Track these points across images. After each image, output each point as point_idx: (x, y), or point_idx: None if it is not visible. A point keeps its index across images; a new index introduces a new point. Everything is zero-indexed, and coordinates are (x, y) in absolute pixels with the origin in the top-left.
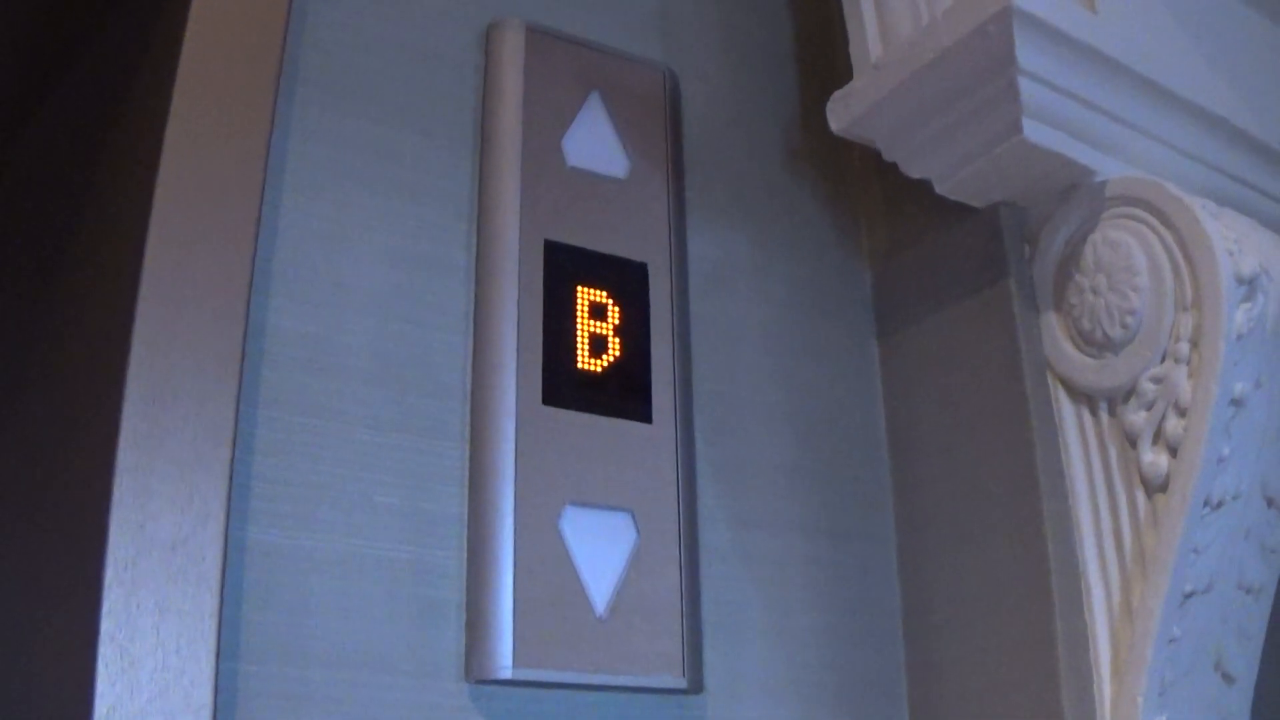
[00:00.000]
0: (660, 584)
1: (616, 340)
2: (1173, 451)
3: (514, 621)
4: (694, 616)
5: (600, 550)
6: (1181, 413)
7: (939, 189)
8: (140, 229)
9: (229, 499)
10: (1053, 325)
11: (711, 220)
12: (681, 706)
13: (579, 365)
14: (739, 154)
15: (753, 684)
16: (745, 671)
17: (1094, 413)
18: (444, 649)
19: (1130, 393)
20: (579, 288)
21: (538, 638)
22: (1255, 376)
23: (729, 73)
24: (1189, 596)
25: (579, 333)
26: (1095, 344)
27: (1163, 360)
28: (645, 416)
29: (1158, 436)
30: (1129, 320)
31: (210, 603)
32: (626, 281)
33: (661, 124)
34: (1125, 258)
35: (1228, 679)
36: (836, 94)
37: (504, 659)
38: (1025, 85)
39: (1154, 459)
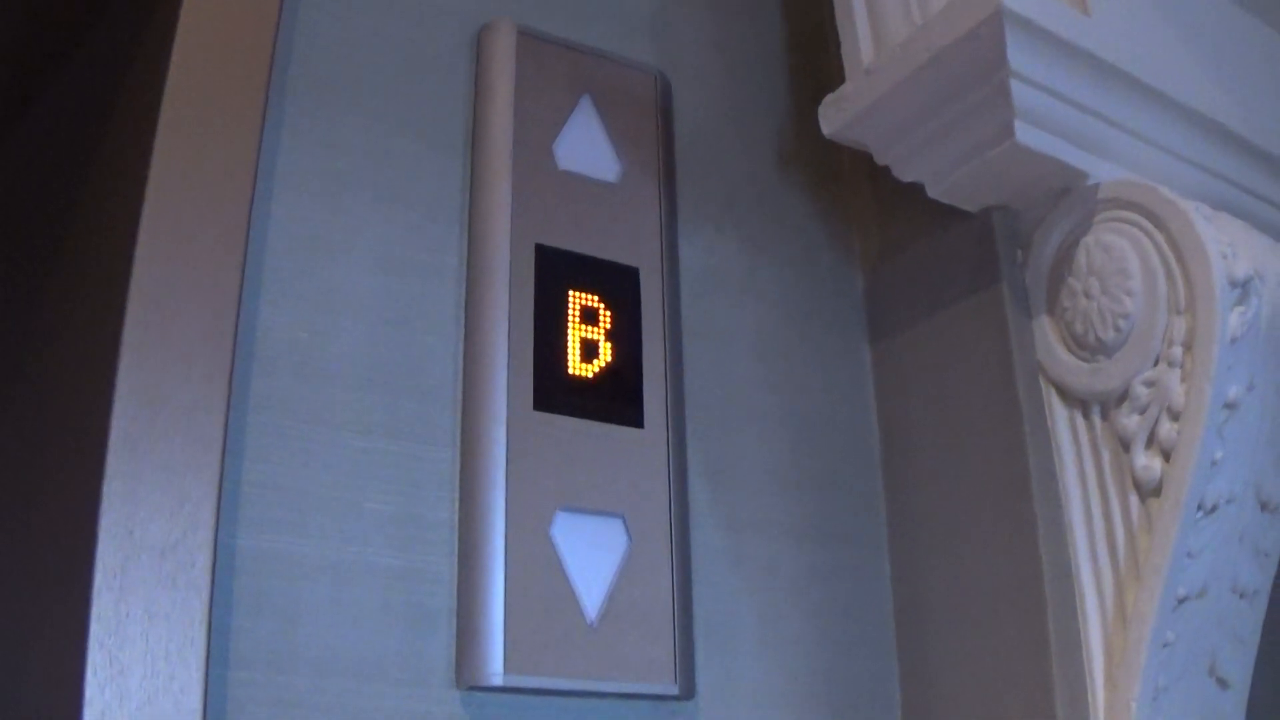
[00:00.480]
0: (652, 589)
1: (608, 345)
2: (1166, 455)
3: (505, 628)
4: (686, 622)
5: (591, 556)
6: (1175, 416)
7: (931, 193)
8: (130, 232)
9: (219, 505)
10: (1045, 329)
11: (703, 224)
12: (673, 713)
13: (570, 370)
14: (731, 158)
15: (745, 690)
16: (737, 677)
17: (1087, 416)
18: (435, 655)
19: (1123, 396)
20: (570, 292)
21: (529, 644)
22: (1249, 380)
23: (721, 76)
24: (1183, 601)
25: (570, 337)
26: (1088, 347)
27: (1156, 364)
28: (636, 421)
29: (1151, 440)
30: (1122, 324)
31: (200, 609)
32: (618, 286)
33: (653, 128)
34: (1118, 261)
35: (1222, 684)
36: (828, 98)
37: (495, 665)
38: (1017, 88)
39: (1147, 463)
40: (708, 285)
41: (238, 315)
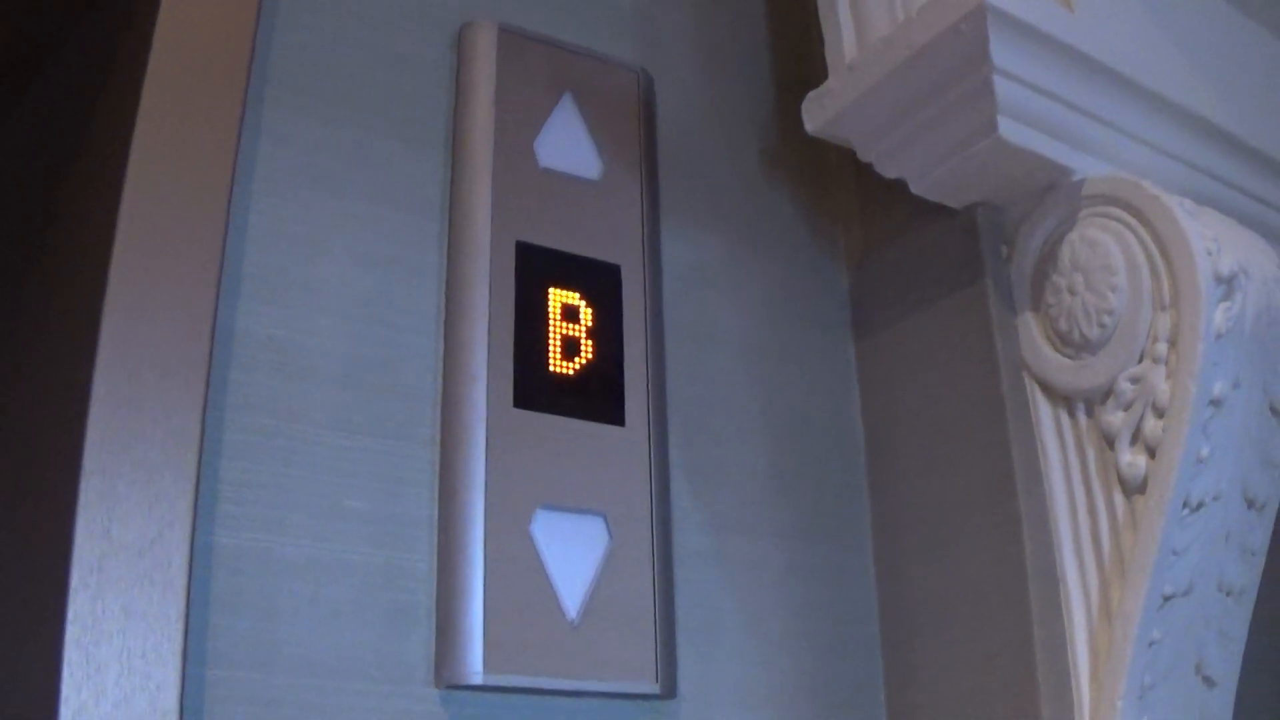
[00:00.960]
0: (633, 588)
1: (589, 342)
2: (1151, 452)
3: (485, 626)
4: (667, 621)
5: (572, 554)
6: (1160, 413)
7: (915, 189)
8: (107, 231)
9: (196, 503)
10: (1030, 326)
11: (686, 222)
12: (655, 712)
13: (551, 368)
14: (714, 155)
15: (727, 690)
16: (720, 677)
17: (1072, 414)
18: (414, 654)
19: (1108, 393)
20: (551, 289)
21: (509, 642)
22: (1234, 376)
23: (704, 74)
24: (1169, 599)
25: (551, 335)
26: (1073, 344)
27: (1140, 360)
28: (618, 419)
29: (1136, 437)
30: (1106, 320)
31: (177, 607)
32: (599, 283)
33: (635, 125)
34: (1103, 257)
35: (1209, 682)
36: (811, 94)
37: (474, 664)
38: (1000, 84)
39: (1132, 460)
40: (690, 282)
41: (215, 313)
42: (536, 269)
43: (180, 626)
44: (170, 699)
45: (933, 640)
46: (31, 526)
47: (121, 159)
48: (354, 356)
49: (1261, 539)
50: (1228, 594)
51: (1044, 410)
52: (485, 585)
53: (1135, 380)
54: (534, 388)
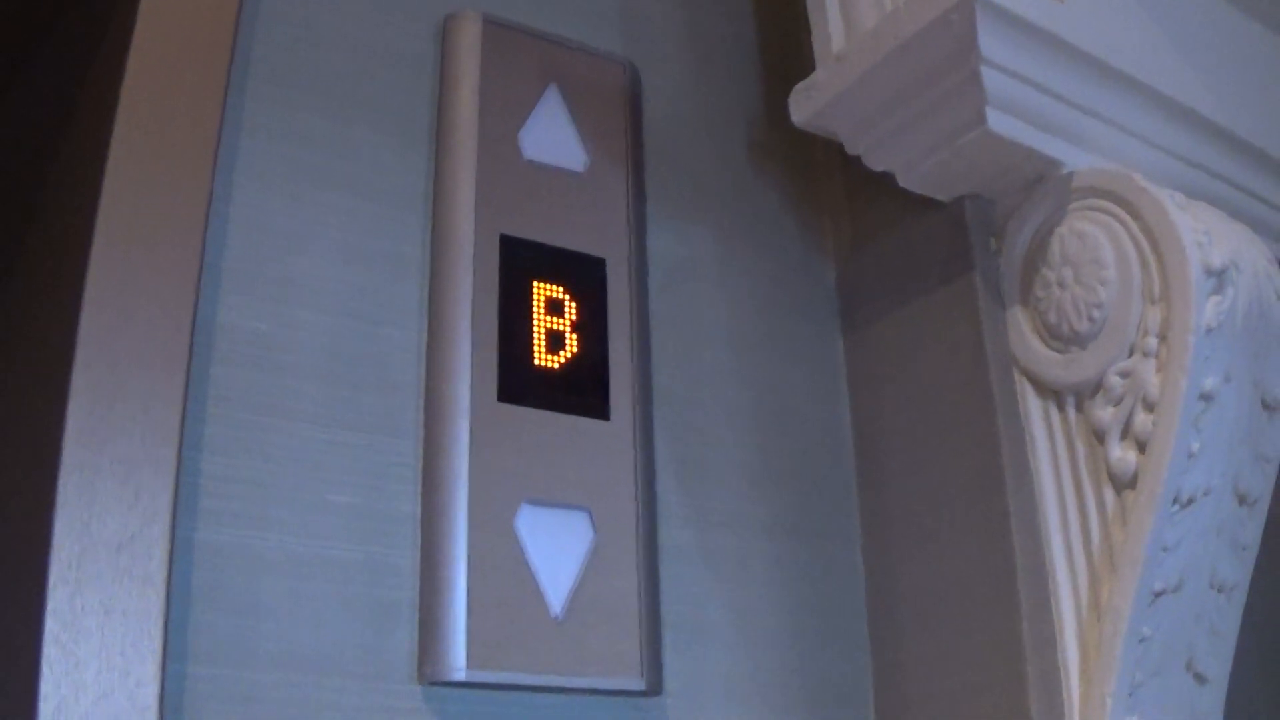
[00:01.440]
0: (618, 584)
1: (574, 336)
2: (1141, 447)
3: (468, 622)
4: (653, 617)
5: (556, 549)
6: (1150, 408)
7: (903, 182)
8: (87, 225)
9: (176, 498)
10: (1019, 320)
11: (672, 215)
12: (640, 709)
13: (535, 361)
14: (701, 148)
15: (714, 686)
16: (706, 673)
17: (1061, 408)
18: (397, 650)
19: (1098, 388)
20: (535, 283)
21: (492, 639)
22: (1225, 370)
23: (691, 66)
24: (1159, 595)
25: (535, 329)
26: (1062, 338)
27: (1130, 354)
28: (603, 414)
29: (1126, 432)
30: (1096, 314)
31: (156, 603)
32: (584, 277)
33: (621, 117)
34: (1092, 250)
35: (1200, 679)
36: (798, 86)
37: (458, 660)
38: (989, 75)
39: (1122, 455)
40: (677, 276)
41: (196, 307)
42: (521, 262)
43: (160, 623)
44: (150, 695)
45: (921, 636)
46: (10, 522)
47: (102, 152)
48: (336, 350)
49: (1253, 534)
50: (1219, 590)
51: (1033, 404)
52: (469, 581)
53: (1125, 374)
54: (518, 382)
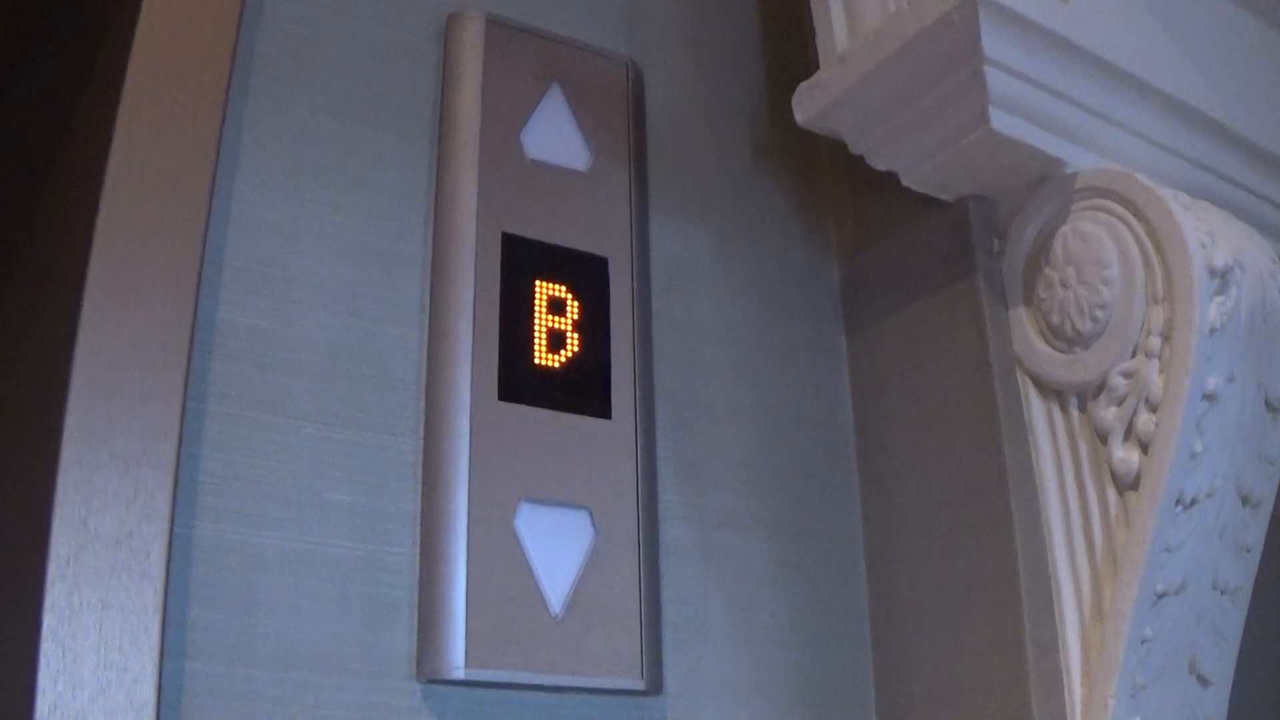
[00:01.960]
0: (618, 583)
1: (575, 335)
2: (1144, 448)
3: (467, 620)
4: (653, 616)
5: (556, 548)
6: (1153, 408)
7: (906, 181)
8: (88, 221)
9: (174, 494)
10: (1022, 320)
11: (675, 214)
12: (640, 708)
13: (536, 360)
14: (704, 147)
15: (714, 686)
16: (706, 673)
17: (1064, 409)
18: (395, 648)
19: (1100, 388)
20: (537, 282)
21: (491, 637)
22: (1228, 371)
23: (694, 65)
24: (1161, 596)
25: (537, 327)
26: (1065, 338)
27: (1134, 355)
28: (604, 413)
29: (1129, 432)
30: (1099, 314)
31: (154, 599)
32: (586, 276)
33: (624, 116)
34: (1095, 250)
35: (1203, 681)
36: (802, 85)
37: (456, 659)
38: (992, 75)
39: (1125, 455)
40: (679, 276)
41: (196, 304)
42: (523, 261)
43: (158, 619)
44: (147, 691)
45: (923, 636)
46: (8, 517)
47: (103, 149)
48: (337, 348)
49: (1256, 536)
50: (1222, 592)
51: (1036, 405)
52: (468, 579)
53: (1128, 375)
54: (519, 380)
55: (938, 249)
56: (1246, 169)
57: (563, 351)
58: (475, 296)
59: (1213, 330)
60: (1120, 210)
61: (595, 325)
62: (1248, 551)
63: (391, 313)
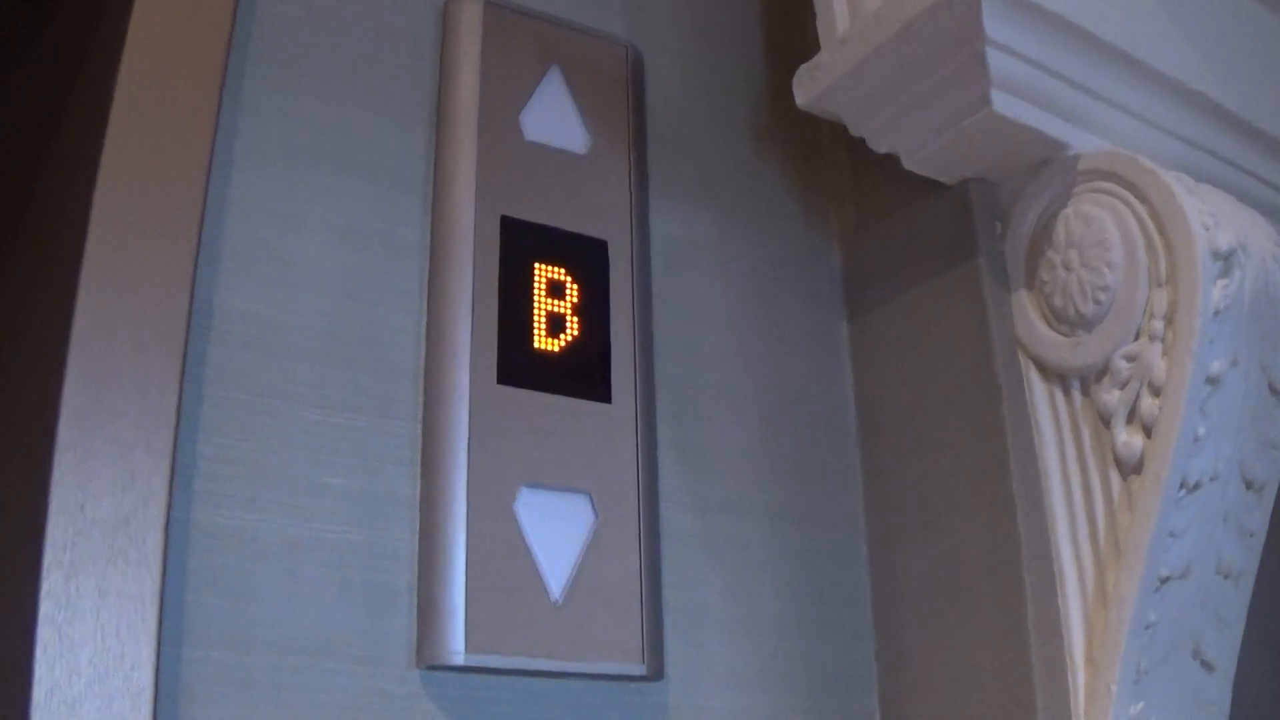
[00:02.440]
0: (619, 568)
1: (575, 319)
2: (1147, 431)
3: (467, 606)
4: (654, 602)
5: (557, 533)
6: (1156, 392)
7: (907, 164)
8: (84, 206)
9: (172, 479)
10: (1024, 303)
11: (675, 197)
12: (640, 693)
13: (536, 344)
14: (704, 130)
15: (716, 672)
16: (708, 659)
17: (1066, 392)
18: (395, 634)
19: (1103, 371)
20: (536, 265)
21: (491, 623)
22: (1232, 354)
23: (694, 48)
24: (1165, 581)
25: (536, 311)
26: (1067, 321)
27: (1136, 338)
28: (604, 396)
29: (1132, 416)
30: (1102, 296)
31: (152, 585)
32: (586, 259)
33: (623, 99)
34: (1098, 233)
35: (1206, 666)
36: (802, 67)
37: (456, 644)
38: (993, 57)
39: (1128, 439)
40: (679, 259)
41: (193, 288)
42: (522, 244)
43: (155, 605)
44: (145, 678)
45: (925, 622)
46: (4, 504)
47: (99, 133)
48: (335, 332)
49: (1260, 520)
50: (1225, 576)
51: (1038, 389)
52: (468, 565)
53: (1131, 358)
54: (518, 364)
55: (939, 232)
56: (1249, 152)
57: (562, 335)
58: (474, 280)
59: (1216, 313)
60: (1123, 193)
61: (595, 309)
62: (1251, 536)
63: (390, 297)
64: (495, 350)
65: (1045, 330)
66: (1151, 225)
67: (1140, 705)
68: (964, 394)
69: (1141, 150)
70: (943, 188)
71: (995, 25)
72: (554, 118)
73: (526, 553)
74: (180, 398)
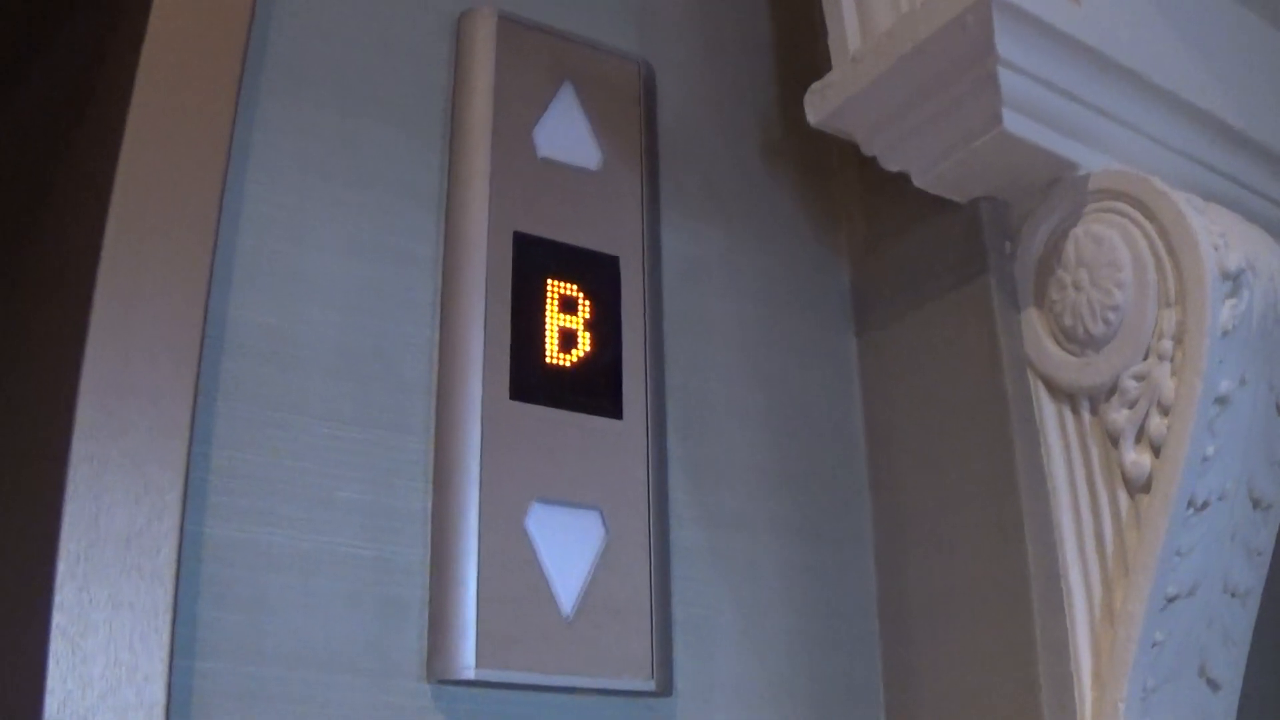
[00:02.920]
0: (629, 584)
1: (587, 335)
2: (1156, 451)
3: (478, 621)
4: (664, 617)
5: (567, 548)
6: (1165, 411)
7: (918, 182)
8: (99, 218)
9: (185, 492)
10: (1034, 322)
11: (686, 214)
12: (650, 709)
13: (548, 360)
14: (715, 146)
15: (724, 687)
16: (716, 675)
17: (1075, 411)
18: (406, 648)
19: (1112, 391)
20: (549, 281)
21: (502, 637)
22: (1240, 374)
23: (706, 64)
24: (1172, 600)
25: (548, 327)
26: (1077, 341)
27: (1145, 357)
28: (615, 412)
29: (1140, 435)
30: (1111, 316)
31: (164, 598)
32: (598, 275)
33: (636, 116)
34: (1108, 252)
35: (1213, 685)
36: (814, 86)
37: (467, 659)
38: (1005, 76)
39: (1136, 458)
40: (690, 275)
41: (207, 301)
42: (534, 260)
43: (168, 618)
44: (157, 691)
45: (933, 639)
46: (18, 516)
47: (115, 145)
48: (347, 346)
49: (1267, 539)
50: (1232, 595)
51: (1047, 407)
52: (479, 579)
53: (1140, 378)
54: (530, 380)
55: (949, 250)
56: (1258, 172)
57: (574, 351)
58: (487, 295)
59: (1225, 333)
60: (1133, 212)
61: (607, 325)
62: (1258, 555)
63: (403, 311)
64: (507, 366)
65: (1054, 349)
66: (1161, 245)
67: None
68: (973, 412)
69: (1151, 169)
70: (953, 206)
71: (1007, 45)
72: (567, 133)
73: (537, 567)
74: (194, 411)
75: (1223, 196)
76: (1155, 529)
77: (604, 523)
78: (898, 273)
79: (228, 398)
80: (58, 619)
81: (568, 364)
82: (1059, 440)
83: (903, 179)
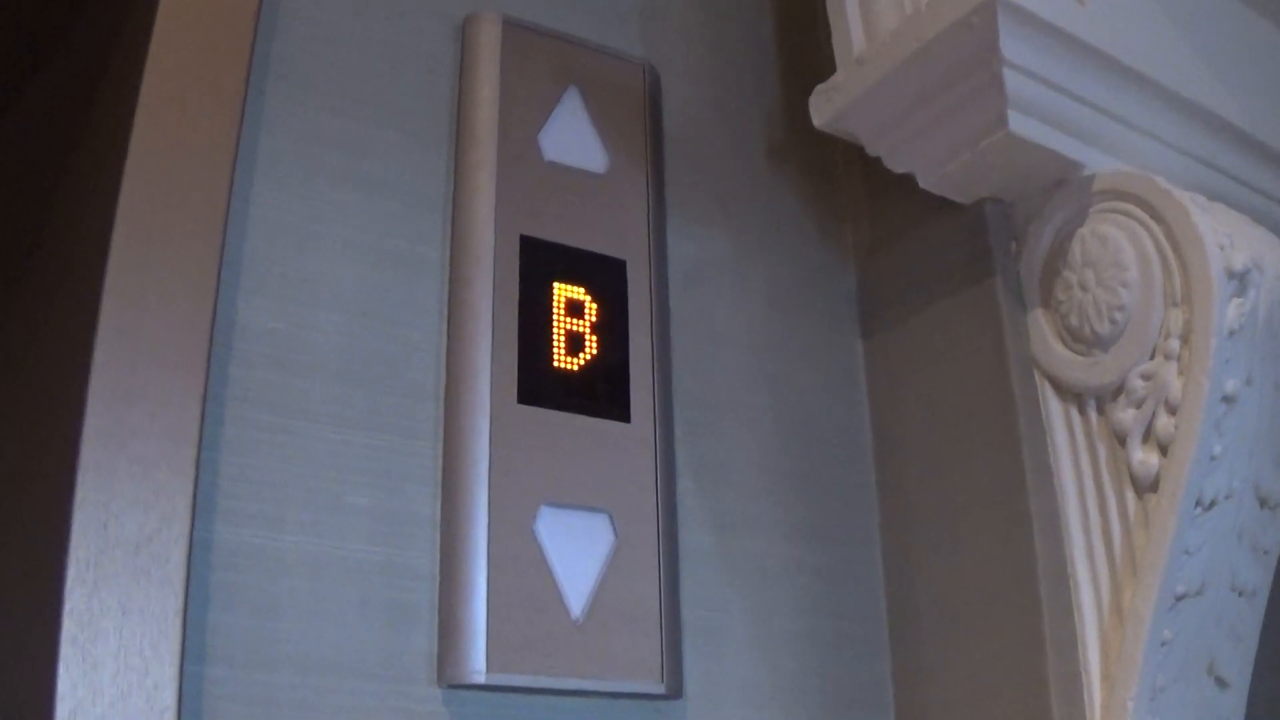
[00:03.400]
0: (638, 587)
1: (594, 338)
2: (1163, 450)
3: (487, 625)
4: (673, 620)
5: (577, 552)
6: (1172, 410)
7: (923, 184)
8: (106, 224)
9: (194, 498)
10: (1040, 322)
11: (692, 216)
12: (660, 712)
13: (555, 363)
14: (720, 149)
15: (733, 690)
16: (726, 677)
17: (1082, 411)
18: (416, 653)
19: (1119, 390)
20: (556, 284)
21: (512, 642)
22: (1247, 373)
23: (710, 67)
24: (1180, 599)
25: (555, 330)
26: (1083, 341)
27: (1152, 357)
28: (623, 416)
29: (1148, 435)
30: (1118, 316)
31: (174, 604)
32: (604, 278)
33: (641, 119)
34: (1114, 253)
35: (1221, 683)
36: (819, 88)
37: (477, 663)
38: (1010, 78)
39: (1144, 458)
40: (696, 278)
41: (215, 307)
42: (541, 263)
43: (178, 623)
44: (168, 697)
45: (941, 640)
46: (28, 522)
47: (121, 150)
48: (355, 351)
49: (1275, 538)
50: (1240, 594)
51: (1054, 407)
52: (488, 583)
53: (1147, 377)
54: (538, 383)
55: (955, 251)
56: (1264, 172)
57: (581, 354)
58: (494, 299)
59: (1231, 332)
60: (1138, 213)
61: (614, 328)
62: (1265, 553)
63: (410, 315)
64: (515, 369)
65: (1061, 349)
66: (1167, 245)
67: None
68: (980, 412)
69: (1157, 170)
70: (958, 207)
71: (1012, 46)
72: (572, 137)
73: (547, 571)
74: (203, 416)
75: (1228, 196)
76: (1163, 528)
77: (613, 526)
78: (903, 274)
79: (236, 403)
80: (68, 626)
81: (575, 367)
82: (1066, 440)
83: (908, 180)
